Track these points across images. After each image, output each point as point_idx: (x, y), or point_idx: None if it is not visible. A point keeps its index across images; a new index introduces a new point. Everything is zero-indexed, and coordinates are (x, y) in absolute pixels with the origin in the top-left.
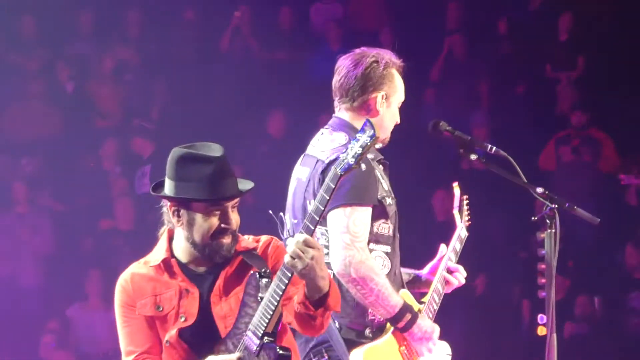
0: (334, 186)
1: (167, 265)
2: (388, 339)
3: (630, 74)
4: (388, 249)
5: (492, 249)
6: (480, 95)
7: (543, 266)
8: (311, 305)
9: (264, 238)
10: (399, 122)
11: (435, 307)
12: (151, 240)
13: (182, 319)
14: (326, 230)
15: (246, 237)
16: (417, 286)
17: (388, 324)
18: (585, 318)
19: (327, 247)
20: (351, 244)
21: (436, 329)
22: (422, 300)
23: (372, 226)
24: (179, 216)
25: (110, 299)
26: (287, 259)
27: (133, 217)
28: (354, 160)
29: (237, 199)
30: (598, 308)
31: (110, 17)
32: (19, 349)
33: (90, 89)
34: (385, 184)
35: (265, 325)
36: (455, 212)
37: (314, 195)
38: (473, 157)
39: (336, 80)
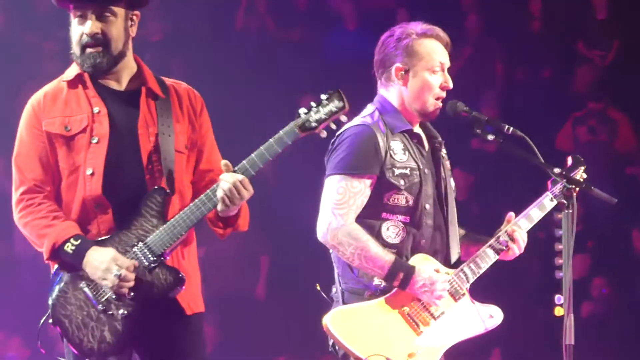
0: (289, 142)
1: (80, 79)
2: (378, 301)
3: None
4: (405, 219)
5: None
6: (496, 75)
7: (560, 247)
8: (221, 223)
9: (196, 95)
10: (448, 86)
11: (476, 271)
12: None
13: (95, 140)
14: None
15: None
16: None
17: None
18: (603, 298)
19: None
20: (330, 211)
21: (438, 279)
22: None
23: (382, 196)
24: (70, 25)
25: None
26: (220, 193)
27: None
28: (316, 124)
29: (102, 7)
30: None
31: None
32: None
33: None
34: (404, 154)
35: (168, 246)
36: (550, 182)
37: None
38: (490, 137)
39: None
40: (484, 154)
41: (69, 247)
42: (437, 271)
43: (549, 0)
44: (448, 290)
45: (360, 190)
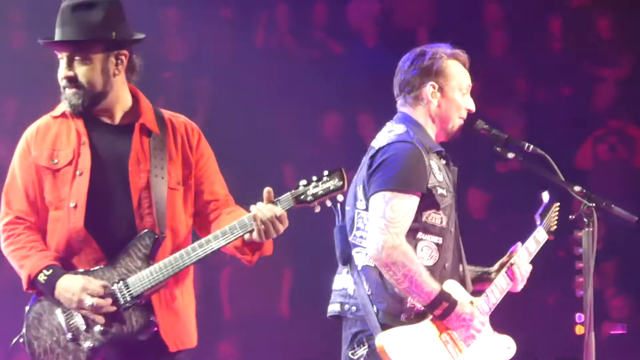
0: (283, 211)
1: (71, 112)
2: (423, 325)
3: None
4: (439, 240)
5: None
6: (518, 93)
7: (581, 265)
8: (248, 249)
9: (192, 127)
10: (471, 109)
11: (494, 301)
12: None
13: (79, 173)
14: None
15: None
16: (487, 282)
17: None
18: (622, 318)
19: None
20: (385, 229)
21: (476, 316)
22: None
23: (421, 215)
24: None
25: None
26: (255, 226)
27: None
28: (312, 198)
29: (78, 50)
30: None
31: (147, 13)
32: None
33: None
34: (440, 174)
35: (147, 289)
36: (537, 216)
37: (362, 181)
38: (510, 155)
39: (395, 79)
40: (502, 172)
41: (41, 278)
42: (472, 303)
43: (568, 21)
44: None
45: (411, 208)
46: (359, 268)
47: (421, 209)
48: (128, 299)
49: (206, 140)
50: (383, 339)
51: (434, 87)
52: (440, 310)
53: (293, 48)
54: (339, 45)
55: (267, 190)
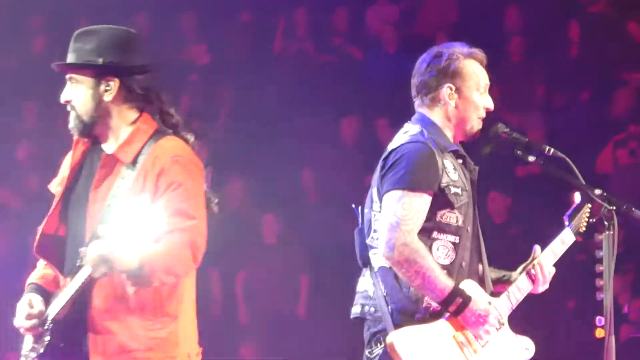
0: None
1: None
2: (437, 324)
3: None
4: (456, 239)
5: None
6: (537, 97)
7: (601, 268)
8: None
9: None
10: (490, 107)
11: (514, 302)
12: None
13: (56, 200)
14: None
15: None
16: (508, 284)
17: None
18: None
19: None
20: (397, 227)
21: (492, 312)
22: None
23: (435, 214)
24: None
25: None
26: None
27: None
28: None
29: (70, 73)
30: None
31: (165, 19)
32: None
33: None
34: (455, 174)
35: (59, 309)
36: (566, 217)
37: (376, 183)
38: (531, 158)
39: (412, 80)
40: (522, 176)
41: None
42: (489, 303)
43: (587, 26)
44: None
45: (422, 207)
46: (376, 269)
47: (435, 208)
48: (47, 322)
49: (177, 168)
50: (393, 337)
51: (451, 89)
52: (455, 306)
53: (312, 53)
54: (358, 50)
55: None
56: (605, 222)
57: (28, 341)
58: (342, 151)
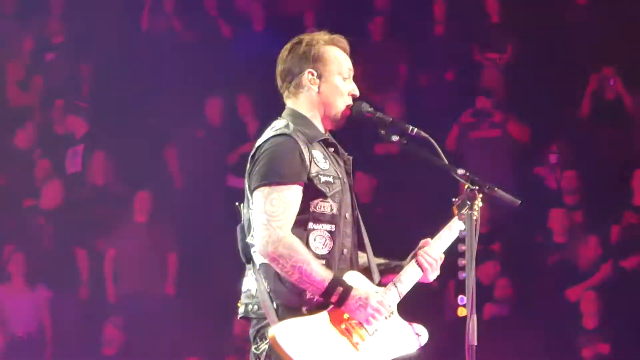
0: None
1: None
2: (321, 316)
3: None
4: (332, 227)
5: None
6: (400, 77)
7: (463, 247)
8: None
9: None
10: (355, 93)
11: (403, 290)
12: (75, 219)
13: None
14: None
15: None
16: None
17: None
18: (505, 300)
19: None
20: (267, 224)
21: (371, 295)
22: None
23: (308, 205)
24: None
25: (32, 280)
26: None
27: (59, 196)
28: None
29: None
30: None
31: None
32: None
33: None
34: (325, 162)
35: None
36: (455, 204)
37: (246, 179)
38: (394, 138)
39: (277, 70)
40: (387, 156)
41: None
42: (376, 293)
43: (452, 6)
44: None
45: (292, 199)
46: (257, 266)
47: (308, 198)
48: None
49: None
50: (275, 331)
51: (312, 74)
52: (336, 296)
53: (180, 30)
54: (227, 28)
55: None
56: (468, 202)
57: None
58: (208, 130)
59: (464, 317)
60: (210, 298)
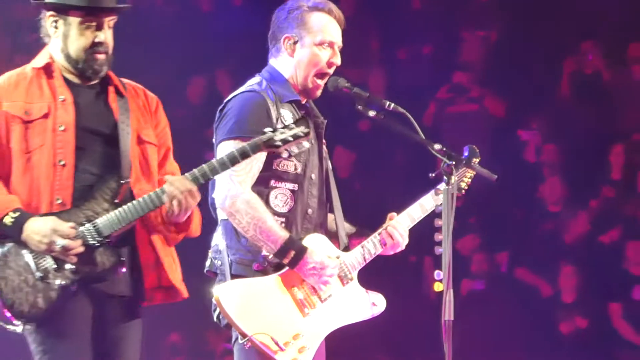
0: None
1: (48, 69)
2: (270, 278)
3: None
4: (294, 187)
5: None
6: (376, 52)
7: (440, 222)
8: (173, 227)
9: (151, 95)
10: (335, 62)
11: (366, 257)
12: None
13: (61, 128)
14: None
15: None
16: (364, 238)
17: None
18: (482, 275)
19: None
20: (229, 179)
21: (328, 264)
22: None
23: (271, 163)
24: (55, 27)
25: None
26: (166, 199)
27: None
28: (280, 144)
29: (114, 17)
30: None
31: None
32: None
33: None
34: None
35: (116, 229)
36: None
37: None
38: (371, 113)
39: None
40: (365, 131)
41: (8, 220)
42: (329, 257)
43: None
44: (337, 275)
45: (256, 155)
46: (219, 222)
47: (271, 157)
48: (98, 238)
49: (163, 110)
50: (219, 291)
51: (289, 39)
52: (288, 258)
53: (160, 4)
54: (206, 2)
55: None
56: (445, 177)
57: (55, 262)
58: (188, 108)
59: (441, 292)
60: (189, 273)
